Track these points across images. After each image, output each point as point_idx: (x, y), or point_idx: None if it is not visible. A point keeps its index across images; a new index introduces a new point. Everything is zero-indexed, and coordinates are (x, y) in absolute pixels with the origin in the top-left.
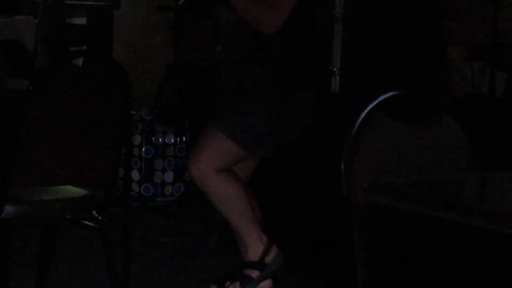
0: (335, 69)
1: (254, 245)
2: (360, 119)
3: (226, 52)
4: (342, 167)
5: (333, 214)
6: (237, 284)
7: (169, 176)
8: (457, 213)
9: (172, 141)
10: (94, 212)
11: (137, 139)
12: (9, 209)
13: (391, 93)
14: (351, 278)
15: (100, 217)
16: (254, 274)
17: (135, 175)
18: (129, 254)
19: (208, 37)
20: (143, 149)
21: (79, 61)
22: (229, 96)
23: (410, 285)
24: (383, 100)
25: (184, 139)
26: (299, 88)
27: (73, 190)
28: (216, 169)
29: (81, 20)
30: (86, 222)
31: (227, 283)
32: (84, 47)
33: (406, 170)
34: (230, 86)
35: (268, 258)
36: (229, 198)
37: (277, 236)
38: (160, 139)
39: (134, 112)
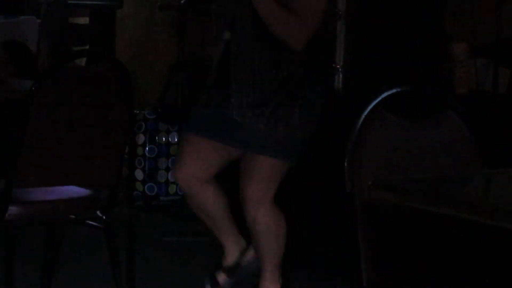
0: (338, 66)
1: (272, 282)
2: (363, 116)
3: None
4: (346, 164)
5: (337, 212)
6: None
7: (173, 175)
8: (461, 209)
9: (176, 140)
10: (98, 212)
11: (141, 139)
12: (13, 209)
13: (394, 90)
14: (356, 275)
15: (104, 217)
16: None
17: (139, 174)
18: (134, 253)
19: (212, 35)
20: (147, 148)
21: (82, 61)
22: (253, 109)
23: (415, 282)
24: (386, 97)
25: None
26: (316, 87)
27: (77, 190)
28: (272, 199)
29: (84, 20)
30: (90, 222)
31: (219, 276)
32: (87, 47)
33: (410, 167)
34: (247, 97)
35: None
36: (280, 231)
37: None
38: (164, 138)
39: (138, 112)
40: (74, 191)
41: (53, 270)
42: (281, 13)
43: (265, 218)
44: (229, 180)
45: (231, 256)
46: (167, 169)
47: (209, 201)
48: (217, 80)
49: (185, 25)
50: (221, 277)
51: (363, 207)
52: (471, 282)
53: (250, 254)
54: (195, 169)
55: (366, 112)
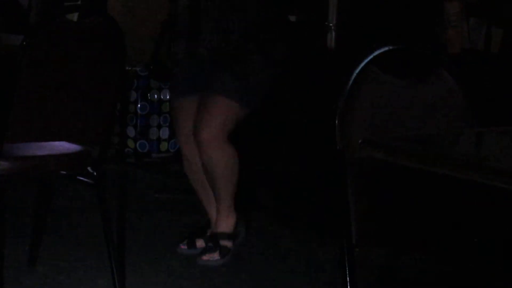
0: (331, 24)
1: (229, 218)
2: (354, 74)
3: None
4: (337, 122)
5: (326, 169)
6: (216, 254)
7: (164, 133)
8: (452, 168)
9: (168, 97)
10: (89, 168)
11: (133, 96)
12: (3, 164)
13: (386, 48)
14: (345, 233)
15: (95, 173)
16: (230, 244)
17: (131, 131)
18: (124, 209)
19: None
20: (139, 105)
21: (74, 16)
22: (219, 57)
23: (404, 240)
24: (378, 55)
25: None
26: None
27: (68, 146)
28: (225, 136)
29: None
30: (81, 178)
31: (197, 241)
32: (79, 2)
33: (401, 125)
34: (218, 47)
35: (238, 230)
36: (231, 167)
37: (272, 191)
38: (156, 95)
39: (129, 68)
40: (65, 146)
41: (44, 226)
42: None
43: (221, 157)
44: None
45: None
46: (159, 126)
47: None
48: (187, 32)
49: None
50: (200, 243)
51: (353, 164)
52: (461, 239)
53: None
54: (191, 130)
55: (357, 70)
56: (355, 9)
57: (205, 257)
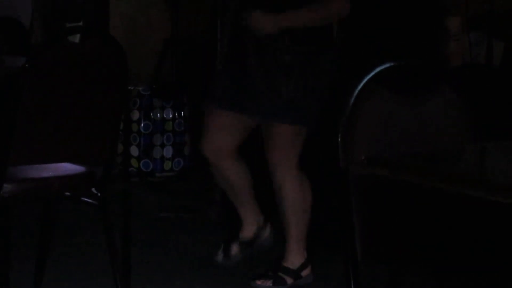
0: None
1: (298, 254)
2: (356, 91)
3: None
4: (339, 139)
5: (330, 187)
6: (269, 282)
7: (168, 151)
8: (455, 184)
9: (171, 116)
10: (93, 189)
11: (136, 115)
12: (8, 187)
13: (387, 65)
14: (350, 251)
15: (99, 194)
16: (290, 280)
17: (134, 150)
18: (129, 230)
19: (205, 11)
20: (142, 124)
21: (76, 38)
22: (270, 78)
23: (409, 257)
24: (380, 71)
25: (182, 114)
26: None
27: (71, 167)
28: (298, 165)
29: None
30: (85, 199)
31: (232, 246)
32: (81, 23)
33: (404, 142)
34: (264, 66)
35: (304, 272)
36: (307, 200)
37: (275, 207)
38: (159, 114)
39: (132, 88)
40: (68, 168)
41: (48, 248)
42: (313, 13)
43: (292, 185)
44: (253, 158)
45: (248, 231)
46: (162, 145)
47: (234, 173)
48: (232, 48)
49: (179, 0)
50: (234, 249)
51: (356, 181)
52: (465, 254)
53: (267, 231)
54: (222, 142)
55: (359, 87)
56: (357, 25)
57: (258, 282)
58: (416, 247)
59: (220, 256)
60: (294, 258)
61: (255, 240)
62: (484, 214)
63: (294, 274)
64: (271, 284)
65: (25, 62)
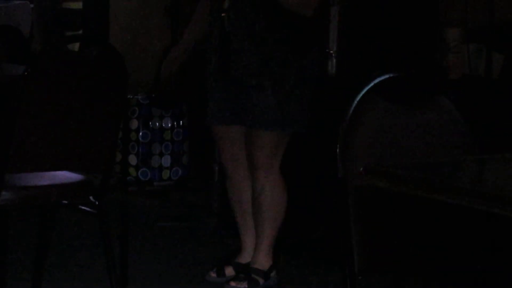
0: (331, 51)
1: (268, 256)
2: (356, 102)
3: (237, 38)
4: (338, 149)
5: (328, 197)
6: (244, 284)
7: (166, 161)
8: (453, 195)
9: (169, 125)
10: (91, 197)
11: (134, 124)
12: (5, 195)
13: (386, 76)
14: (347, 262)
15: (97, 202)
16: (261, 281)
17: (133, 159)
18: (127, 239)
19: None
20: (140, 133)
21: (75, 46)
22: (256, 88)
23: (407, 268)
24: (379, 82)
25: (181, 123)
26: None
27: (69, 176)
28: (278, 164)
29: (77, 5)
30: (83, 208)
31: (227, 268)
32: (80, 32)
33: (402, 153)
34: (250, 77)
35: (272, 274)
36: (280, 202)
37: None
38: (157, 123)
39: (131, 97)
40: (67, 176)
41: (46, 256)
42: None
43: (273, 188)
44: None
45: (245, 257)
46: (161, 154)
47: (249, 185)
48: (219, 58)
49: (179, 8)
50: (229, 271)
51: (355, 192)
52: (462, 266)
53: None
54: (241, 157)
55: (358, 98)
56: (356, 36)
57: (233, 283)
58: (414, 257)
59: (212, 277)
60: (265, 260)
61: (249, 266)
62: (482, 226)
63: (265, 275)
64: (246, 286)
65: (25, 70)
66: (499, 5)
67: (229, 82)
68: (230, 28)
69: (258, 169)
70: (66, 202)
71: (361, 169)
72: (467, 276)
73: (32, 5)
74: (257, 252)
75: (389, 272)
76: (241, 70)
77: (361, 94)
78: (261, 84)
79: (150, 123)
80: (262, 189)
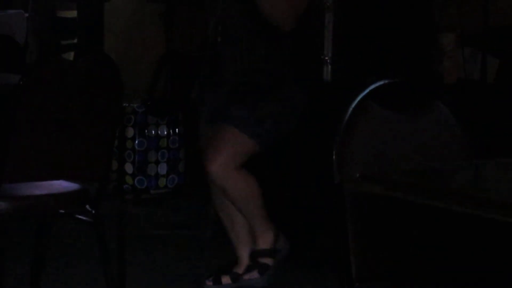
0: (326, 58)
1: (265, 234)
2: (351, 108)
3: (226, 45)
4: (334, 156)
5: (325, 204)
6: (255, 272)
7: (162, 168)
8: (450, 201)
9: (165, 133)
10: (87, 206)
11: (130, 132)
12: (2, 205)
13: (382, 82)
14: (345, 269)
15: (93, 211)
16: (269, 261)
17: (129, 167)
18: (124, 247)
19: (200, 28)
20: (136, 141)
21: (70, 55)
22: (234, 90)
23: (404, 274)
24: (374, 88)
25: (177, 131)
26: (302, 78)
27: (66, 185)
28: (236, 166)
29: (72, 13)
30: (79, 216)
31: (223, 277)
32: (75, 41)
33: (398, 159)
34: (234, 79)
35: (278, 244)
36: (248, 193)
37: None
38: (153, 131)
39: (127, 105)
40: (63, 185)
41: (43, 265)
42: None
43: (234, 186)
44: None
45: (240, 268)
46: (157, 162)
47: (239, 197)
48: (210, 66)
49: (173, 17)
50: (225, 280)
51: (351, 199)
52: (460, 273)
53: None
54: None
55: (354, 104)
56: (351, 42)
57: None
58: (411, 264)
59: (208, 285)
60: (265, 237)
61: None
62: (479, 231)
63: (271, 252)
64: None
65: (20, 80)
66: (494, 10)
67: (217, 89)
68: (220, 36)
69: (212, 175)
70: (62, 211)
71: (357, 175)
72: (465, 282)
73: (27, 14)
74: (256, 235)
75: (386, 278)
76: (226, 80)
77: (356, 100)
78: (242, 99)
79: (146, 131)
80: (224, 191)
